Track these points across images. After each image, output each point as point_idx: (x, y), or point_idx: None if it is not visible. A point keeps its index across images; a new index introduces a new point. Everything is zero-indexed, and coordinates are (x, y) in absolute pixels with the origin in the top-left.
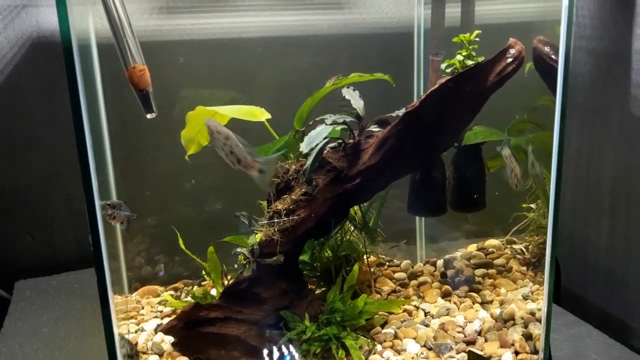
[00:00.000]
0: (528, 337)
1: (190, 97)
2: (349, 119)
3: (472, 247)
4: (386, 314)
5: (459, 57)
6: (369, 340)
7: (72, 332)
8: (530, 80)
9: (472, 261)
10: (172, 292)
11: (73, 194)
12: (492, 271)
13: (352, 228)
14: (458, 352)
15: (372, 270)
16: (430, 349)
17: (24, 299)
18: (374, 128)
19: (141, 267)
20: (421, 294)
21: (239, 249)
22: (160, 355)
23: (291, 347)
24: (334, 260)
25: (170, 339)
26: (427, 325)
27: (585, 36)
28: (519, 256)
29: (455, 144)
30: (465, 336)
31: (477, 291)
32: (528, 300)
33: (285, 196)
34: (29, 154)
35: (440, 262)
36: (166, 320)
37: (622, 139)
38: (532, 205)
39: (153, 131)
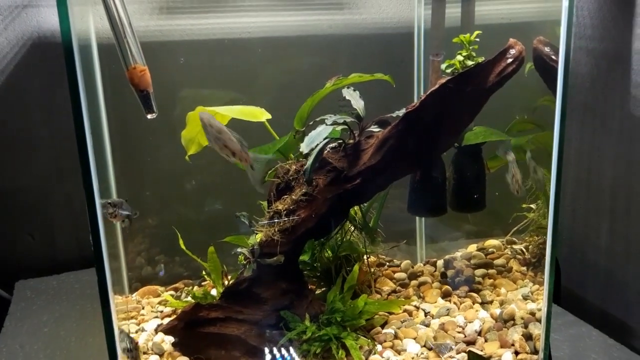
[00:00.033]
0: (528, 337)
1: (191, 98)
2: (349, 119)
3: (472, 247)
4: (386, 314)
5: (459, 58)
6: (369, 340)
7: (73, 332)
8: (531, 80)
9: (472, 261)
10: (172, 292)
11: (73, 194)
12: (492, 271)
13: (353, 228)
14: (458, 352)
15: (372, 270)
16: (430, 349)
17: (24, 299)
18: (374, 128)
19: (141, 267)
20: (421, 294)
21: (239, 249)
22: (161, 355)
23: (291, 347)
24: (334, 261)
25: (170, 339)
26: (427, 326)
27: (585, 36)
28: (519, 256)
29: (456, 144)
30: (465, 336)
31: (477, 291)
32: (528, 301)
33: (286, 196)
34: (29, 154)
35: (440, 262)
36: (166, 320)
37: (622, 139)
38: (532, 206)
39: (153, 131)
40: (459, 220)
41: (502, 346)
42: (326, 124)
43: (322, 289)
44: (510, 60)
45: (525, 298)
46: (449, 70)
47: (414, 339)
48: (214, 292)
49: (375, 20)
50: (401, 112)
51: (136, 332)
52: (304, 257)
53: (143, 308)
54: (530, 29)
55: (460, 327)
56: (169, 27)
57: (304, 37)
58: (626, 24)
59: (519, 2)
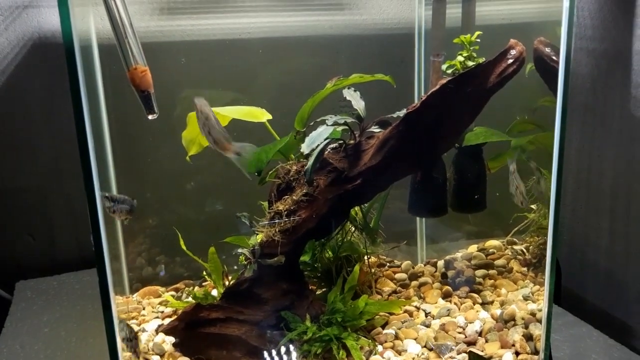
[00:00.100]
0: (529, 337)
1: (191, 98)
2: (349, 119)
3: (473, 248)
4: (387, 314)
5: (460, 58)
6: (370, 340)
7: (73, 333)
8: (531, 81)
9: (472, 262)
10: (173, 293)
11: (73, 194)
12: (492, 272)
13: (353, 229)
14: (459, 353)
15: (372, 271)
16: (431, 349)
17: (24, 299)
18: (375, 129)
19: (142, 267)
20: (422, 295)
21: (240, 250)
22: (162, 355)
23: (292, 348)
24: (335, 261)
25: (171, 339)
26: (427, 326)
27: (585, 37)
28: (519, 257)
29: (456, 144)
30: (465, 337)
31: (478, 292)
32: (528, 301)
33: (287, 197)
34: (29, 154)
35: (440, 263)
36: (167, 320)
37: (622, 139)
38: (533, 206)
39: (154, 132)
40: (460, 221)
41: (502, 347)
42: (327, 125)
43: (323, 290)
44: (510, 60)
45: (525, 298)
46: (449, 71)
47: (415, 339)
48: (214, 292)
49: (375, 20)
50: (402, 113)
51: (137, 332)
52: (305, 258)
53: (144, 308)
54: (531, 30)
55: (460, 327)
56: (170, 28)
57: (305, 37)
58: (626, 25)
59: (519, 3)
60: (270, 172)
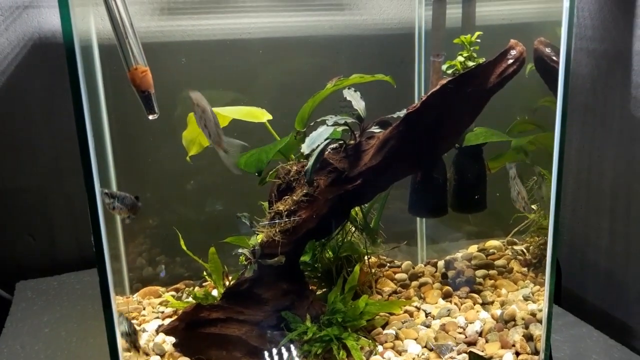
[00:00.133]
0: (529, 337)
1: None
2: (350, 120)
3: (473, 248)
4: (387, 314)
5: (460, 58)
6: (370, 341)
7: (74, 333)
8: (531, 81)
9: (473, 262)
10: (173, 293)
11: (73, 194)
12: (493, 272)
13: (353, 229)
14: (459, 353)
15: (373, 271)
16: (431, 349)
17: (25, 299)
18: (375, 129)
19: (142, 267)
20: (422, 295)
21: (240, 250)
22: (162, 355)
23: (292, 348)
24: (335, 261)
25: (171, 339)
26: (428, 326)
27: (586, 37)
28: (519, 257)
29: (456, 145)
30: (466, 337)
31: (478, 292)
32: (529, 301)
33: (287, 197)
34: (29, 154)
35: (441, 263)
36: (167, 321)
37: (622, 139)
38: (533, 207)
39: (154, 132)
40: (460, 221)
41: (503, 347)
42: (327, 125)
43: (323, 290)
44: (511, 61)
45: (526, 299)
46: (449, 71)
47: (415, 339)
48: (215, 292)
49: (375, 21)
50: (402, 113)
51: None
52: (305, 258)
53: (144, 309)
54: (531, 30)
55: (461, 327)
56: (170, 28)
57: (305, 37)
58: (626, 25)
59: (519, 3)
60: (270, 173)
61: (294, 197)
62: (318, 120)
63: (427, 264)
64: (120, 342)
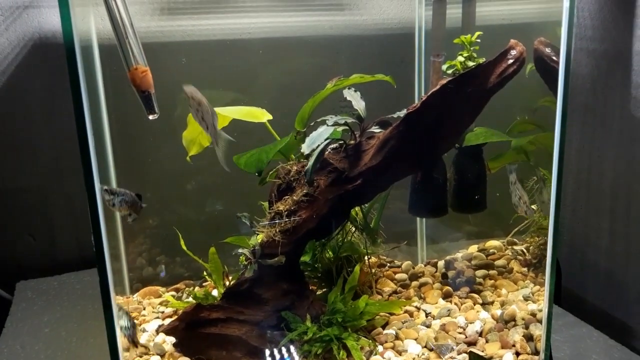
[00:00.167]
0: (529, 338)
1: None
2: (350, 120)
3: (473, 248)
4: (387, 314)
5: (460, 58)
6: (370, 341)
7: (74, 333)
8: (531, 81)
9: (473, 262)
10: (173, 293)
11: (73, 194)
12: (493, 272)
13: (353, 229)
14: (459, 353)
15: (373, 271)
16: (431, 349)
17: (25, 299)
18: (375, 129)
19: (142, 267)
20: (422, 295)
21: (240, 250)
22: (162, 355)
23: (292, 348)
24: (335, 261)
25: (171, 339)
26: (428, 326)
27: (586, 37)
28: (519, 257)
29: (456, 145)
30: (466, 337)
31: (478, 292)
32: (529, 301)
33: (287, 197)
34: (29, 154)
35: (441, 263)
36: (168, 321)
37: (622, 139)
38: (533, 207)
39: (155, 132)
40: (460, 221)
41: (503, 347)
42: (327, 125)
43: (323, 290)
44: (511, 61)
45: (526, 299)
46: (449, 71)
47: (415, 339)
48: (215, 292)
49: (376, 21)
50: (402, 113)
51: (138, 332)
52: (305, 258)
53: (144, 309)
54: (531, 30)
55: (461, 327)
56: (170, 28)
57: (305, 38)
58: (626, 25)
59: (519, 3)
60: (270, 173)
61: (294, 197)
62: (318, 120)
63: (427, 264)
64: (121, 342)
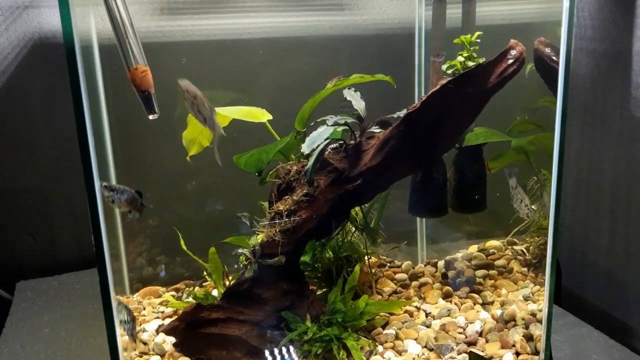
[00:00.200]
0: (529, 338)
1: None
2: (350, 120)
3: (473, 248)
4: (387, 314)
5: (460, 58)
6: (370, 341)
7: (74, 333)
8: (531, 81)
9: (473, 262)
10: (173, 293)
11: (73, 194)
12: (493, 272)
13: (353, 229)
14: (459, 353)
15: (373, 271)
16: (431, 349)
17: (25, 299)
18: (375, 129)
19: (142, 267)
20: (422, 295)
21: (240, 250)
22: (162, 355)
23: (292, 348)
24: (335, 261)
25: (171, 339)
26: (428, 326)
27: (585, 37)
28: (519, 257)
29: (456, 145)
30: (466, 337)
31: (478, 292)
32: (529, 301)
33: (287, 197)
34: (29, 154)
35: (441, 263)
36: (168, 320)
37: (622, 139)
38: (533, 207)
39: (155, 132)
40: (460, 221)
41: (503, 347)
42: (327, 125)
43: (323, 290)
44: (511, 61)
45: (526, 299)
46: (449, 71)
47: (415, 339)
48: (215, 292)
49: (376, 21)
50: (402, 113)
51: (137, 332)
52: (305, 258)
53: (144, 309)
54: (531, 30)
55: (461, 327)
56: (171, 28)
57: (305, 38)
58: (626, 25)
59: (519, 3)
60: (270, 173)
61: (294, 197)
62: (318, 120)
63: (427, 264)
64: (120, 342)
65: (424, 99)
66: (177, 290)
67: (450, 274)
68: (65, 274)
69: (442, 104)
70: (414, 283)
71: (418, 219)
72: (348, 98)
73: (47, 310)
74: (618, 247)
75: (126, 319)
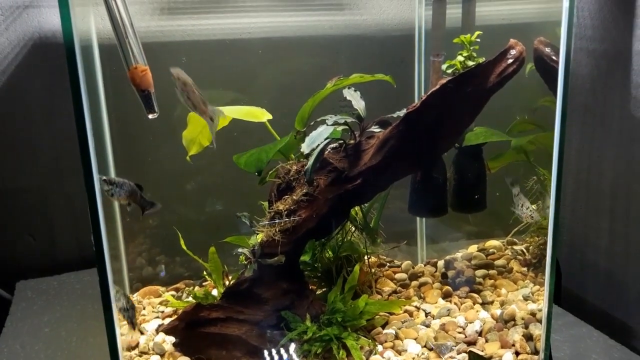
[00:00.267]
0: (529, 337)
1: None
2: (350, 119)
3: (473, 248)
4: (387, 314)
5: (460, 58)
6: (370, 340)
7: (74, 333)
8: (531, 81)
9: (472, 262)
10: (173, 293)
11: (73, 194)
12: (492, 272)
13: (353, 229)
14: (459, 353)
15: (372, 270)
16: (431, 349)
17: (25, 299)
18: (375, 129)
19: (142, 267)
20: (422, 295)
21: (240, 250)
22: (162, 355)
23: (292, 348)
24: (335, 261)
25: (171, 339)
26: (427, 326)
27: (585, 37)
28: (519, 257)
29: (456, 144)
30: (466, 337)
31: (478, 292)
32: (529, 301)
33: (287, 197)
34: (29, 154)
35: (441, 263)
36: (167, 320)
37: (622, 139)
38: (534, 207)
39: (154, 131)
40: (460, 221)
41: (502, 346)
42: (327, 125)
43: (323, 290)
44: (510, 60)
45: (525, 299)
46: (449, 71)
47: (415, 339)
48: (214, 292)
49: (375, 20)
50: (402, 113)
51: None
52: (305, 258)
53: (144, 308)
54: (531, 30)
55: (460, 327)
56: (170, 28)
57: (305, 37)
58: (626, 25)
59: (519, 3)
60: (270, 172)
61: (294, 197)
62: (318, 119)
63: (427, 263)
64: (120, 342)
65: (423, 98)
66: (177, 289)
67: (450, 273)
68: (65, 274)
69: (442, 103)
70: (414, 283)
71: (418, 218)
72: (348, 98)
73: (47, 310)
74: (618, 247)
75: (125, 306)
